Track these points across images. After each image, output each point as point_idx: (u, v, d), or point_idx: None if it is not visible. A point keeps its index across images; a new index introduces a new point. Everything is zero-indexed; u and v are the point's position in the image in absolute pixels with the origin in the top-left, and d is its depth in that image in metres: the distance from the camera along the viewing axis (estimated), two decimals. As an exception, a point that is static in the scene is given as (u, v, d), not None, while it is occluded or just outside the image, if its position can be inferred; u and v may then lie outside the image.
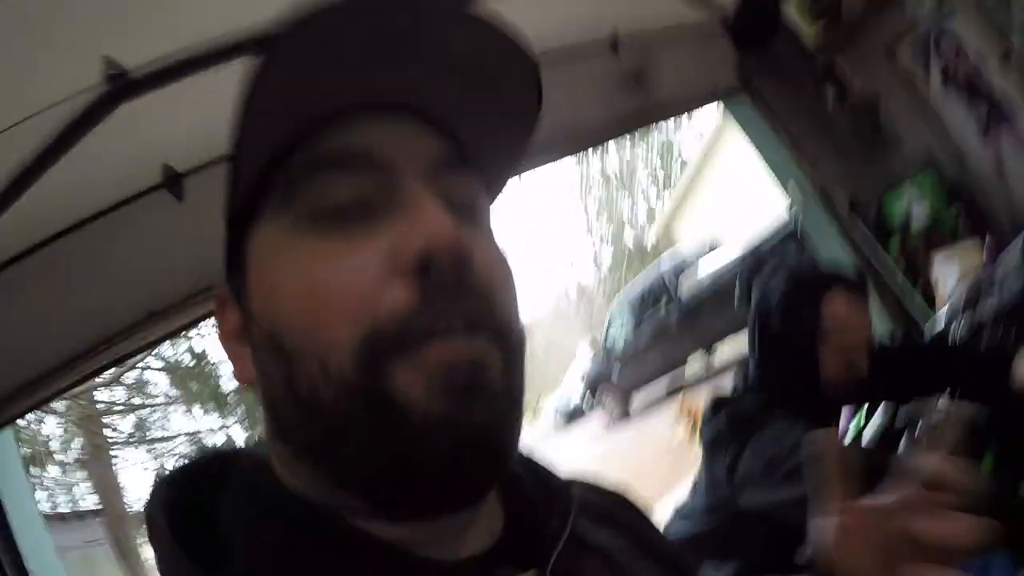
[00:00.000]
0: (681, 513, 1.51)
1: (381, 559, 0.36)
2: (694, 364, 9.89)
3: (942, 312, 1.75)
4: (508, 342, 0.37)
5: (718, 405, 1.36)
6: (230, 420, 9.60)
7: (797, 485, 1.07)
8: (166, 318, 1.58)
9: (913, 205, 2.75)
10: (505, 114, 0.42)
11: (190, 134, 1.53)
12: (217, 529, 0.37)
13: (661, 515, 1.35)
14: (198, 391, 9.31)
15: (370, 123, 0.38)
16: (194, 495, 0.39)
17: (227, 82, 1.31)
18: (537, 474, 0.48)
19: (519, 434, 0.38)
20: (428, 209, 0.35)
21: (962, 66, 2.57)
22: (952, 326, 1.56)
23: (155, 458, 9.32)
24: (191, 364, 9.33)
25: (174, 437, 9.33)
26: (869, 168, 3.04)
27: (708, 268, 8.70)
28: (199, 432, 9.48)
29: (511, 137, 0.44)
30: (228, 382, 9.62)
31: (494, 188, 0.47)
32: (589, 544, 0.45)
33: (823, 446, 0.49)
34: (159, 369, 8.98)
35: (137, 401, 9.06)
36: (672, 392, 10.03)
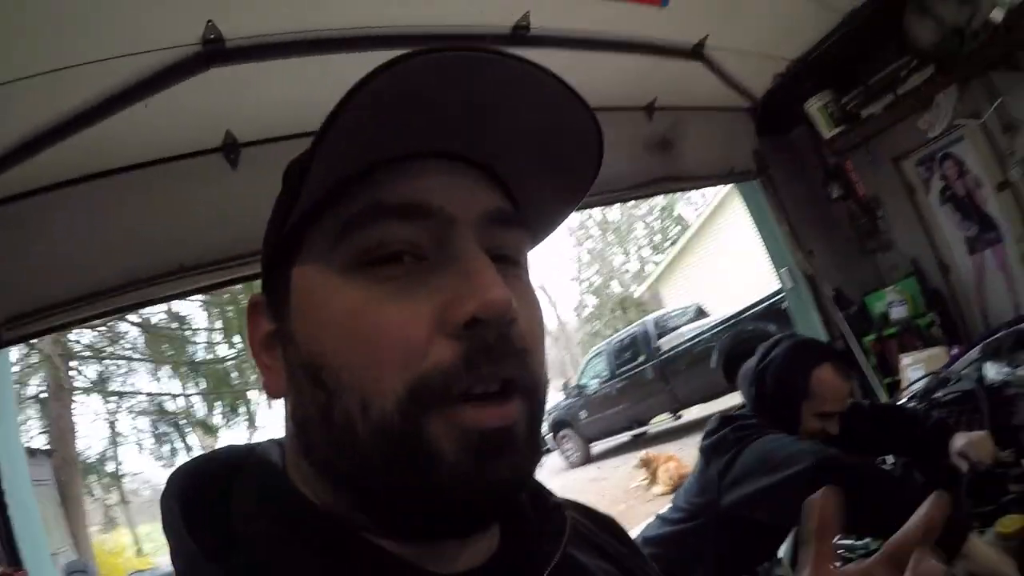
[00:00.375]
0: (662, 517, 1.74)
1: (385, 570, 0.38)
2: (659, 421, 9.99)
3: (903, 399, 1.95)
4: (536, 396, 0.40)
5: (726, 419, 1.59)
6: (192, 389, 9.52)
7: (783, 470, 1.28)
8: (195, 274, 1.65)
9: (893, 307, 2.92)
10: (563, 181, 0.44)
11: (257, 109, 1.64)
12: (227, 524, 0.39)
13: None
14: (170, 355, 9.22)
15: (436, 172, 0.39)
16: (207, 489, 0.41)
17: (304, 71, 1.45)
18: (534, 493, 0.50)
19: (535, 471, 0.41)
20: (483, 273, 0.36)
21: (960, 187, 2.80)
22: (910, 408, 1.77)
23: (111, 411, 9.22)
24: (170, 326, 9.26)
25: (135, 394, 9.23)
26: (859, 266, 3.24)
27: (690, 332, 8.86)
28: (161, 395, 9.39)
29: (563, 201, 0.47)
30: (200, 351, 9.57)
31: (537, 240, 0.49)
32: (577, 565, 0.47)
33: (813, 507, 0.49)
34: (135, 324, 8.88)
35: (109, 350, 8.94)
36: (633, 441, 10.13)
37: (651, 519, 1.85)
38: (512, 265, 0.42)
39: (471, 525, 0.39)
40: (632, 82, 2.33)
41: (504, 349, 0.37)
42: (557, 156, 0.42)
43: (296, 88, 1.57)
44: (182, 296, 1.75)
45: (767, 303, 7.20)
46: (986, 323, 2.65)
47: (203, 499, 0.40)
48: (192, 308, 9.58)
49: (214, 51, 1.35)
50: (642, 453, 7.27)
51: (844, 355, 1.66)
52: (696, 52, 2.31)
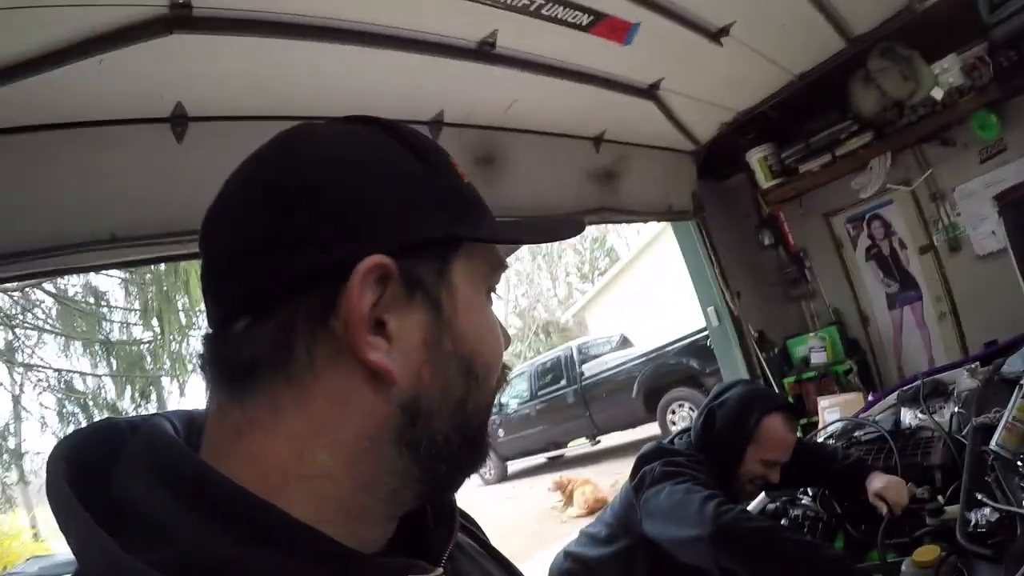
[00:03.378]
0: (588, 533, 1.75)
1: (327, 553, 0.39)
2: (577, 445, 10.10)
3: (821, 438, 2.04)
4: None
5: (661, 450, 1.65)
6: (103, 369, 8.82)
7: (686, 528, 1.38)
8: (126, 246, 1.54)
9: (813, 352, 3.08)
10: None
11: (211, 85, 1.56)
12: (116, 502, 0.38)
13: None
14: (83, 331, 8.52)
15: None
16: (96, 470, 0.40)
17: (264, 54, 1.40)
18: None
19: None
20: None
21: (886, 246, 3.02)
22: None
23: (16, 383, 8.40)
24: (87, 300, 8.55)
25: (43, 368, 8.45)
26: (783, 311, 3.41)
27: (613, 360, 9.02)
28: (71, 371, 8.66)
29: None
30: (115, 331, 8.91)
31: None
32: (460, 544, 0.55)
33: None
34: (51, 294, 8.14)
35: (20, 318, 8.14)
36: (550, 463, 10.18)
37: (572, 536, 1.86)
38: None
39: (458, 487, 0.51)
40: (584, 112, 2.38)
41: (507, 367, 0.53)
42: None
43: (254, 69, 1.52)
44: (109, 267, 1.64)
45: (690, 339, 7.45)
46: (901, 374, 2.87)
47: (92, 481, 0.39)
48: (111, 284, 8.78)
49: (180, 16, 1.27)
50: (557, 476, 7.29)
51: (794, 408, 1.71)
52: (650, 92, 2.40)
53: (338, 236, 0.41)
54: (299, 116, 1.65)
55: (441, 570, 0.46)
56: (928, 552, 1.21)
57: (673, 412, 7.41)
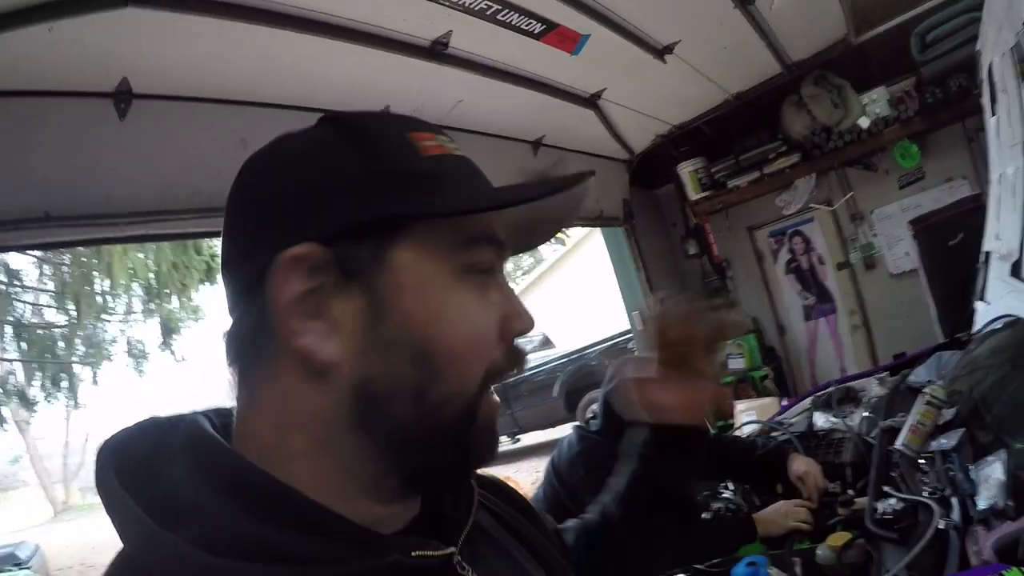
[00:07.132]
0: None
1: (341, 535, 0.42)
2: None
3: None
4: None
5: (580, 431, 1.85)
6: (12, 354, 8.11)
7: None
8: (61, 226, 1.44)
9: (732, 358, 3.26)
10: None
11: (160, 62, 1.49)
12: (161, 493, 0.40)
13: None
14: None
15: (504, 218, 0.51)
16: (139, 462, 0.43)
17: (217, 34, 1.36)
18: None
19: None
20: (520, 300, 0.52)
21: (805, 261, 3.23)
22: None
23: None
24: None
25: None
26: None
27: (535, 360, 9.12)
28: None
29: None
30: (27, 313, 8.11)
31: None
32: (479, 527, 0.56)
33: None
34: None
35: None
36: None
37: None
38: None
39: (456, 484, 0.51)
40: (526, 117, 2.42)
41: (523, 355, 0.51)
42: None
43: (203, 50, 1.47)
44: (41, 248, 1.53)
45: (611, 341, 7.67)
46: (814, 381, 3.08)
47: (137, 471, 0.42)
48: (22, 262, 8.05)
49: (134, -15, 1.21)
50: (477, 473, 7.31)
51: None
52: (591, 101, 2.47)
53: (266, 236, 0.44)
54: (245, 101, 1.63)
55: (454, 549, 0.47)
56: (840, 538, 1.34)
57: (592, 413, 7.60)
